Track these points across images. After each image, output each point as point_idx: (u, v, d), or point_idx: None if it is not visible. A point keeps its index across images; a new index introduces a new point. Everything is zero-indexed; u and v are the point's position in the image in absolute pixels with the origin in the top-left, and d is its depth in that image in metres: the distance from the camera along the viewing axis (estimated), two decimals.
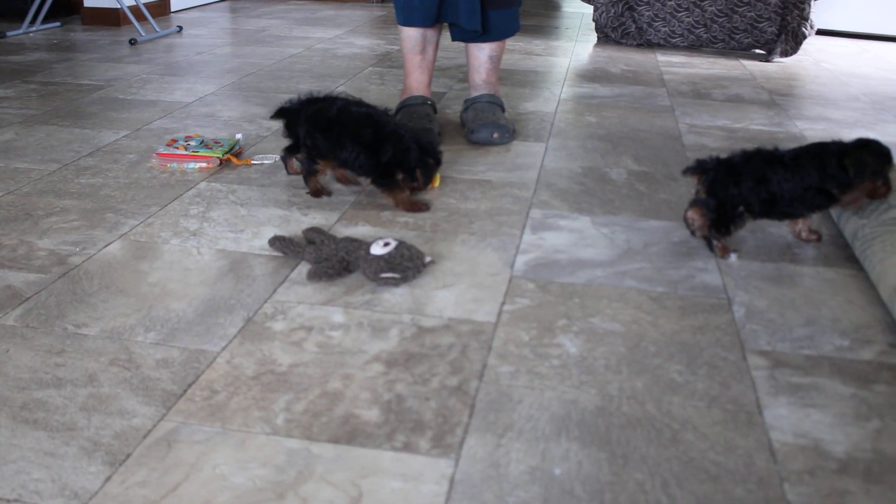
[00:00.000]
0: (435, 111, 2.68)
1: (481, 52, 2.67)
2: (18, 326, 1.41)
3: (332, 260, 1.61)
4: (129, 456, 1.10)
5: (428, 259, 1.62)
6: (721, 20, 4.22)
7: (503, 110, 2.70)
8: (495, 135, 2.52)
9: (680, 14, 4.26)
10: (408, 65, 2.68)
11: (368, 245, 1.60)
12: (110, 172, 2.19)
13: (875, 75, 3.91)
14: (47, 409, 1.19)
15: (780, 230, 1.92)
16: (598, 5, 4.42)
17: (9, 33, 4.23)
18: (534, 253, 1.76)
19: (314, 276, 1.58)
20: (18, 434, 1.13)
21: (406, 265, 1.57)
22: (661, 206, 2.06)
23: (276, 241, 1.70)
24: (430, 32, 2.64)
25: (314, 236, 1.72)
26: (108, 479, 1.05)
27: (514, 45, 4.37)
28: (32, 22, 4.36)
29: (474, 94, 2.72)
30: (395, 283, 1.57)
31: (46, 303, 1.50)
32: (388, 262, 1.56)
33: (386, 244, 1.58)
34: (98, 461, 1.08)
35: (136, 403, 1.21)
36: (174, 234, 1.80)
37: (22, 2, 4.54)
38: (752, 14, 4.15)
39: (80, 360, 1.32)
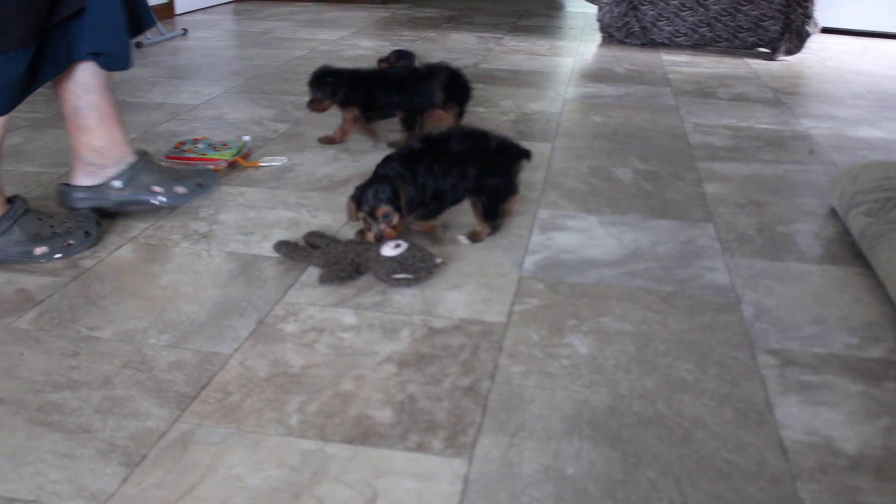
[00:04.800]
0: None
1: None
2: (32, 329, 1.42)
3: (343, 263, 1.61)
4: (144, 457, 1.11)
5: (438, 260, 1.63)
6: (725, 19, 4.22)
7: None
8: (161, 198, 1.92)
9: (684, 13, 4.27)
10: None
11: (379, 247, 1.60)
12: None
13: (879, 73, 3.92)
14: (63, 411, 1.20)
15: (787, 229, 1.92)
16: (602, 5, 4.43)
17: None
18: (542, 253, 1.76)
19: (326, 279, 1.59)
20: (35, 436, 1.14)
21: (418, 266, 1.57)
22: (667, 205, 2.06)
23: (282, 247, 1.70)
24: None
25: (317, 241, 1.72)
26: (124, 480, 1.06)
27: (519, 45, 4.38)
28: None
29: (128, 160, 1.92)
30: (408, 283, 1.58)
31: (59, 306, 1.51)
32: (400, 263, 1.56)
33: (397, 245, 1.59)
34: (114, 463, 1.09)
35: (151, 405, 1.22)
36: (184, 236, 1.81)
37: None
38: (756, 13, 4.16)
39: (94, 362, 1.33)
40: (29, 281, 1.60)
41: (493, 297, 1.57)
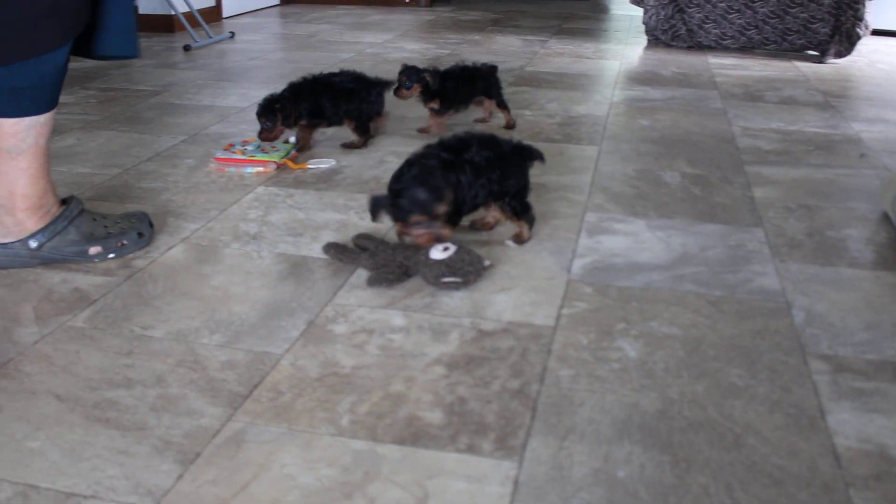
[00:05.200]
0: None
1: None
2: (87, 328, 1.45)
3: (391, 265, 1.62)
4: (199, 455, 1.12)
5: (487, 262, 1.63)
6: (773, 21, 4.18)
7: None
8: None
9: (731, 16, 4.24)
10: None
11: (427, 250, 1.61)
12: (170, 177, 2.23)
13: None
14: (118, 408, 1.22)
15: (838, 234, 1.90)
16: (648, 8, 4.41)
17: None
18: (590, 257, 1.76)
19: (374, 282, 1.60)
20: (92, 433, 1.16)
21: (467, 269, 1.58)
22: (716, 209, 2.05)
23: (331, 249, 1.71)
24: None
25: (366, 243, 1.73)
26: (179, 477, 1.08)
27: (564, 48, 4.37)
28: None
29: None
30: (457, 286, 1.58)
31: (113, 305, 1.53)
32: (449, 266, 1.57)
33: (445, 248, 1.60)
34: (169, 460, 1.11)
35: (204, 404, 1.23)
36: (234, 237, 1.83)
37: None
38: (805, 15, 4.11)
39: (148, 361, 1.35)
40: (84, 280, 1.63)
41: (541, 301, 1.57)
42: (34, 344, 1.40)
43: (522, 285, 1.63)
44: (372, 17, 5.57)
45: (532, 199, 2.07)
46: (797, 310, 1.55)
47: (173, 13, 4.54)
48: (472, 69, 2.65)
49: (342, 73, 2.53)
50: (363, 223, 1.92)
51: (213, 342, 1.41)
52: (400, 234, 1.67)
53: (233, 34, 4.63)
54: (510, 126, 2.74)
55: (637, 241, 1.84)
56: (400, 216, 1.63)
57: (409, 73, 2.56)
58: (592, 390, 1.29)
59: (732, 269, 1.72)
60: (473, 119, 2.77)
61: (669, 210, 2.04)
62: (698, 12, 4.28)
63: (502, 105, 2.73)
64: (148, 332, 1.44)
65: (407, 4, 6.17)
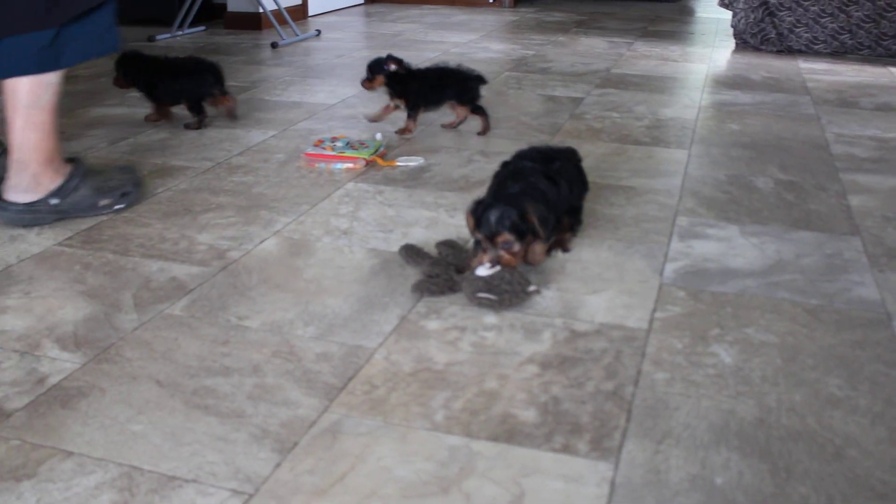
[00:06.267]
0: None
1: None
2: (185, 316, 1.48)
3: (441, 277, 1.59)
4: (296, 444, 1.14)
5: (532, 288, 1.56)
6: (868, 26, 4.08)
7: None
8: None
9: (824, 20, 4.14)
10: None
11: (476, 266, 1.58)
12: (261, 171, 2.27)
13: None
14: (217, 395, 1.24)
15: None
16: (737, 10, 4.34)
17: (158, 37, 4.41)
18: (682, 261, 1.74)
19: (416, 289, 1.57)
20: (192, 418, 1.19)
21: (504, 288, 1.52)
22: (811, 216, 2.01)
23: (403, 250, 1.70)
24: None
25: (443, 249, 1.72)
26: (277, 465, 1.10)
27: (650, 51, 4.33)
28: (180, 26, 4.55)
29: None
30: (491, 304, 1.52)
31: (209, 295, 1.56)
32: (487, 283, 1.52)
33: (491, 266, 1.55)
34: (267, 448, 1.13)
35: (300, 395, 1.25)
36: (326, 232, 1.85)
37: (169, 8, 4.74)
38: None
39: (245, 350, 1.37)
40: (180, 270, 1.66)
41: (633, 303, 1.55)
42: (134, 330, 1.43)
43: (614, 287, 1.61)
44: (456, 17, 5.58)
45: (622, 201, 2.06)
46: None
47: (261, 11, 4.61)
48: (448, 71, 2.63)
49: (187, 58, 2.74)
50: (452, 221, 1.92)
51: (307, 334, 1.43)
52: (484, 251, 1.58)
53: (319, 32, 4.68)
54: (484, 132, 2.69)
55: (730, 247, 1.81)
56: (486, 231, 1.55)
57: (372, 66, 2.61)
58: (688, 395, 1.27)
59: (829, 277, 1.68)
60: (441, 124, 2.74)
61: (762, 216, 2.00)
62: (789, 16, 4.19)
63: (478, 110, 2.67)
64: (244, 322, 1.47)
65: (491, 5, 6.17)
